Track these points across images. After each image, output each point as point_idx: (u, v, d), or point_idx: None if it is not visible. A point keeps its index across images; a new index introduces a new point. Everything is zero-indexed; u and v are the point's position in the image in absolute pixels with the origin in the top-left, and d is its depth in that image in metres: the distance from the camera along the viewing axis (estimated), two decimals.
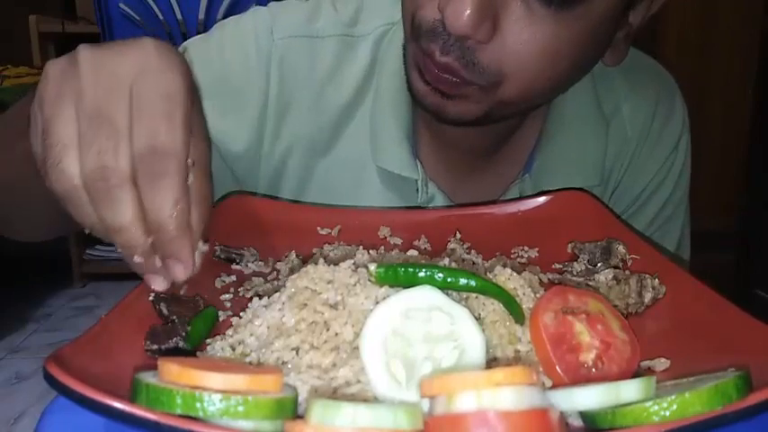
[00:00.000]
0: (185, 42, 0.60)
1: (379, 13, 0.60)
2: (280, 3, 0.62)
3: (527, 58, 0.44)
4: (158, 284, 0.33)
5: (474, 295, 0.36)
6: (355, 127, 0.59)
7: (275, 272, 0.46)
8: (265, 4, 0.62)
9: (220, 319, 0.39)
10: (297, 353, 0.33)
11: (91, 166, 0.29)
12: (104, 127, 0.29)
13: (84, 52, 0.31)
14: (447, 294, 0.32)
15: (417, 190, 0.58)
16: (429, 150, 0.60)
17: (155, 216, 0.30)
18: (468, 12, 0.41)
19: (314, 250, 0.49)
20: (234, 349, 0.35)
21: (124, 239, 0.30)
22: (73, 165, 0.29)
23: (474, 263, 0.47)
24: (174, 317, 0.37)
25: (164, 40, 0.32)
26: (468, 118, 0.49)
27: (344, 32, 0.59)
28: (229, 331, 0.37)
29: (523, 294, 0.37)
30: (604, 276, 0.40)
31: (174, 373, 0.27)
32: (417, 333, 0.31)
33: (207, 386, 0.26)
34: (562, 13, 0.43)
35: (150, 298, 0.38)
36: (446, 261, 0.41)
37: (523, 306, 0.36)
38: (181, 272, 0.32)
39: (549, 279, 0.43)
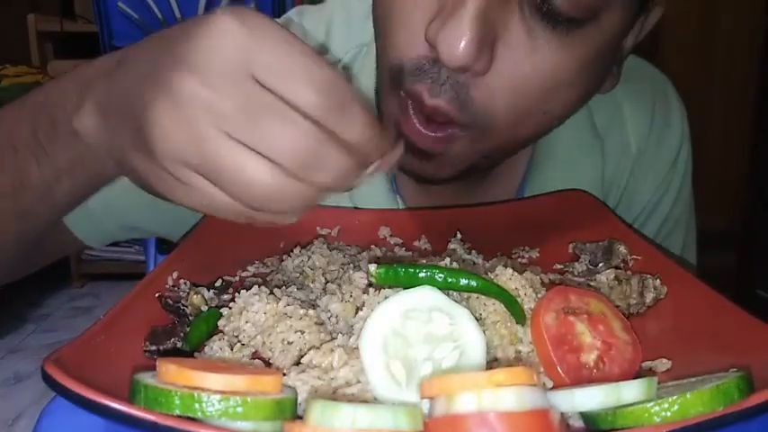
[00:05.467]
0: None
1: (348, 35, 0.56)
2: None
3: (526, 93, 0.39)
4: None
5: (475, 295, 0.36)
6: None
7: (280, 270, 0.46)
8: (264, 8, 0.61)
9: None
10: (302, 334, 0.33)
11: (286, 154, 0.27)
12: (261, 114, 0.26)
13: (179, 76, 0.27)
14: (447, 295, 0.32)
15: None
16: (410, 185, 0.55)
17: (356, 129, 0.28)
18: (466, 39, 0.35)
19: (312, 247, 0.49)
20: (232, 348, 0.35)
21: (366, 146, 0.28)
22: (259, 168, 0.27)
23: (474, 263, 0.47)
24: (181, 307, 0.37)
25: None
26: (446, 176, 0.44)
27: None
28: (222, 321, 0.37)
29: (525, 295, 0.37)
30: (606, 277, 0.40)
31: (172, 373, 0.27)
32: (417, 333, 0.31)
33: (206, 387, 0.26)
34: (569, 37, 0.38)
35: (156, 295, 0.38)
36: (446, 261, 0.41)
37: (525, 306, 0.36)
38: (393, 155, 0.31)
39: (550, 279, 0.43)
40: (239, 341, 0.36)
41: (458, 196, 0.57)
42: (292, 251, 0.48)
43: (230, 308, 0.38)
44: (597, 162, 0.58)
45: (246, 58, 0.27)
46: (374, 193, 0.54)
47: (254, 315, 0.36)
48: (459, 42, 0.36)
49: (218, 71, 0.27)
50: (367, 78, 0.52)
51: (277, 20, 0.59)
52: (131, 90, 0.30)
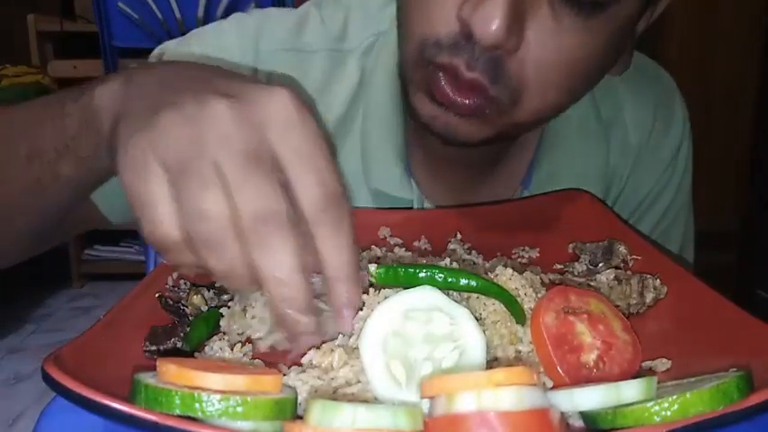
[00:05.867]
0: (162, 45, 0.58)
1: (366, 23, 0.57)
2: (264, 11, 0.59)
3: (551, 69, 0.42)
4: (309, 342, 0.30)
5: (475, 295, 0.36)
6: (346, 146, 0.56)
7: None
8: (264, 5, 0.61)
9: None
10: None
11: (250, 207, 0.26)
12: (258, 171, 0.27)
13: (218, 100, 0.28)
14: (447, 295, 0.32)
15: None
16: (423, 168, 0.58)
17: (335, 261, 0.29)
18: (500, 19, 0.38)
19: None
20: (232, 348, 0.35)
21: (289, 289, 0.27)
22: (222, 206, 0.26)
23: (474, 263, 0.47)
24: (181, 307, 0.37)
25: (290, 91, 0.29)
26: (478, 139, 0.47)
27: (333, 47, 0.56)
28: (224, 321, 0.37)
29: (525, 294, 0.37)
30: (606, 277, 0.40)
31: (172, 373, 0.27)
32: (417, 333, 0.31)
33: (206, 387, 0.26)
34: (590, 21, 0.41)
35: (156, 295, 0.38)
36: (446, 261, 0.41)
37: (525, 306, 0.36)
38: (349, 321, 0.31)
39: (550, 279, 0.43)
40: (249, 338, 0.36)
41: (468, 178, 0.59)
42: None
43: (229, 307, 0.38)
44: (602, 151, 0.60)
45: (282, 127, 0.28)
46: (388, 173, 0.55)
47: (259, 309, 0.36)
48: (492, 22, 0.39)
49: (252, 119, 0.28)
50: (384, 66, 0.54)
51: (295, 10, 0.59)
52: (170, 80, 0.32)
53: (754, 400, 0.26)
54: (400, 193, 0.55)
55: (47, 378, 0.27)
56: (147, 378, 0.27)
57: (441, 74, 0.43)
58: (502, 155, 0.58)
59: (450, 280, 0.35)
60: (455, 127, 0.45)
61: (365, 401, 0.30)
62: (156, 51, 0.58)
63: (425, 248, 0.52)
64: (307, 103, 0.30)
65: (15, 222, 0.47)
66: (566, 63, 0.42)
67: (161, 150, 0.28)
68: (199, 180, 0.27)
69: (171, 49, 0.57)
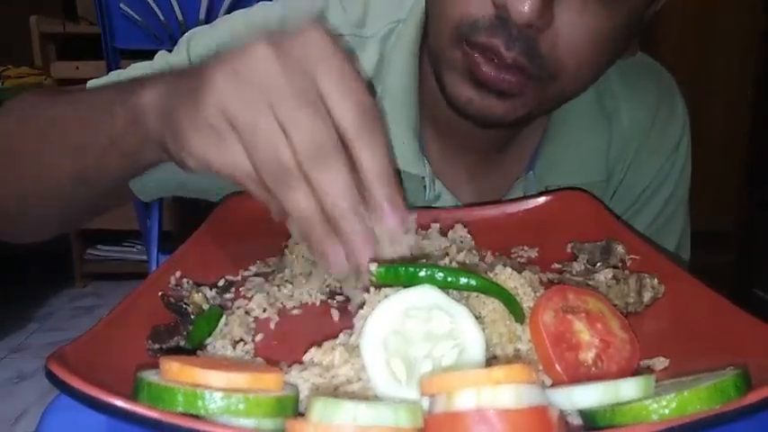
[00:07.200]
0: (192, 31, 0.61)
1: (385, 12, 0.60)
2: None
3: (581, 46, 0.46)
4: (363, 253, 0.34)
5: (474, 294, 0.37)
6: None
7: (279, 269, 0.46)
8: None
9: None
10: None
11: (304, 143, 0.31)
12: (306, 107, 0.31)
13: (259, 46, 0.32)
14: (447, 293, 0.32)
15: (425, 187, 0.58)
16: (435, 148, 0.60)
17: (373, 165, 0.32)
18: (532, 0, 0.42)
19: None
20: (234, 346, 0.35)
21: (346, 201, 0.32)
22: (282, 146, 0.31)
23: (474, 262, 0.47)
24: (183, 305, 0.38)
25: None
26: (512, 118, 0.49)
27: (353, 33, 0.59)
28: (226, 321, 0.37)
29: (524, 293, 0.37)
30: (604, 276, 0.40)
31: (175, 371, 0.27)
32: (417, 332, 0.31)
33: (208, 384, 0.26)
34: (612, 2, 0.44)
35: (159, 294, 0.38)
36: (446, 260, 0.42)
37: (523, 305, 0.36)
38: (391, 215, 0.34)
39: (548, 279, 0.43)
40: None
41: (478, 160, 0.61)
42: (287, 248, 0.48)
43: (231, 307, 0.38)
44: (604, 141, 0.62)
45: (318, 59, 0.32)
46: (402, 150, 0.57)
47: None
48: (526, 2, 0.42)
49: (292, 57, 0.32)
50: (403, 50, 0.57)
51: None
52: (206, 61, 0.35)
53: (752, 398, 0.26)
54: (413, 170, 0.57)
55: (50, 376, 0.27)
56: (149, 376, 0.27)
57: (478, 55, 0.46)
58: (511, 139, 0.60)
59: (449, 279, 0.35)
60: (491, 108, 0.48)
61: (366, 399, 0.30)
62: (186, 36, 0.61)
63: None
64: (334, 39, 0.34)
65: (56, 206, 0.51)
66: (593, 40, 0.45)
67: (221, 111, 0.32)
68: (259, 129, 0.31)
69: (200, 32, 0.60)
